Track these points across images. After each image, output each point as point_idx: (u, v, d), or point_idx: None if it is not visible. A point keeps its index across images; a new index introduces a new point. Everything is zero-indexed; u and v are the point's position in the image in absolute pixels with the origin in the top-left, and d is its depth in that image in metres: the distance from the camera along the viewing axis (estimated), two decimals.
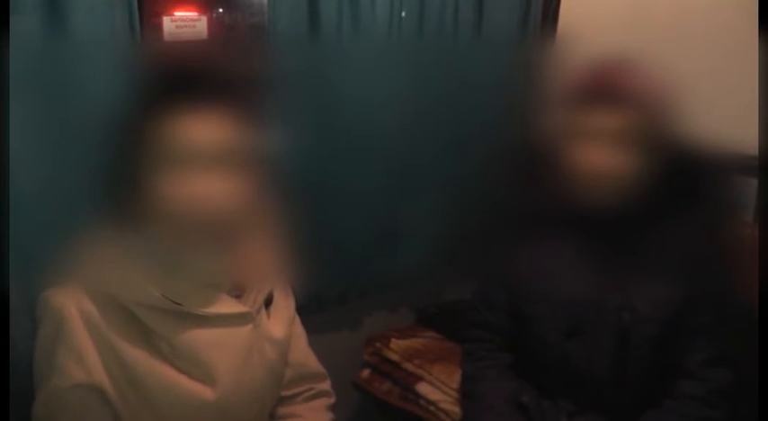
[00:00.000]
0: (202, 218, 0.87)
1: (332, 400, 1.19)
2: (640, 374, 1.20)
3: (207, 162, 0.86)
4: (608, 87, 1.11)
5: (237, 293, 0.99)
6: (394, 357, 1.69)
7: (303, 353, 1.15)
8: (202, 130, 0.86)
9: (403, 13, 1.60)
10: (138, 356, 0.90)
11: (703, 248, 1.15)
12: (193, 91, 0.86)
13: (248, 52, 1.36)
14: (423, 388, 1.60)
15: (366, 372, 1.74)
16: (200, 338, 0.94)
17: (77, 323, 0.88)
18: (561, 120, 1.13)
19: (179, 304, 0.91)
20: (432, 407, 1.57)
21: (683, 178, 1.13)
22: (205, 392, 0.94)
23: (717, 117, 1.40)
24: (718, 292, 1.18)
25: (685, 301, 1.17)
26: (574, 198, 1.13)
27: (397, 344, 1.72)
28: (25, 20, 1.12)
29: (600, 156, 1.09)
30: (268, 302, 1.04)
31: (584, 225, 1.16)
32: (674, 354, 1.21)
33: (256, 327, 1.00)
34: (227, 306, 0.96)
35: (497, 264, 1.33)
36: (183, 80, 0.88)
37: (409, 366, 1.66)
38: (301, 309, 1.15)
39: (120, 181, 0.89)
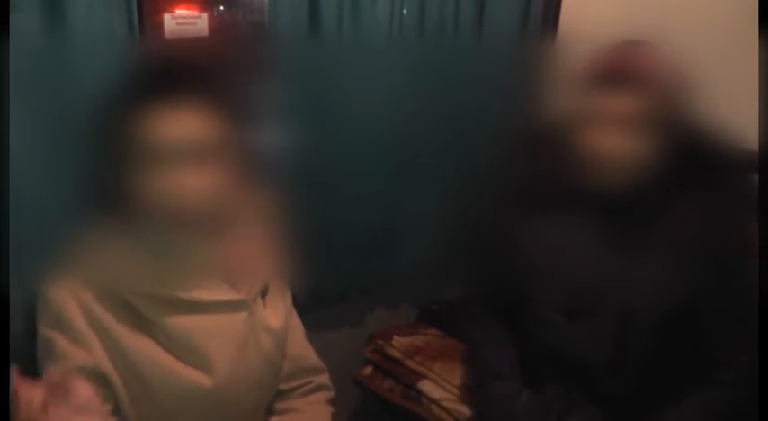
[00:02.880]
0: (188, 209, 0.88)
1: (331, 394, 1.19)
2: (640, 363, 1.17)
3: (190, 156, 0.87)
4: (622, 69, 1.09)
5: (231, 283, 0.99)
6: (396, 354, 1.69)
7: (301, 346, 1.15)
8: (186, 125, 0.87)
9: (404, 11, 1.60)
10: (135, 344, 0.92)
11: (715, 237, 1.12)
12: (181, 87, 0.88)
13: (249, 49, 1.37)
14: (425, 386, 1.60)
15: (368, 370, 1.73)
16: (194, 325, 0.95)
17: (76, 312, 0.90)
18: (574, 105, 1.12)
19: (172, 291, 0.92)
20: (434, 406, 1.57)
21: (697, 165, 1.11)
22: (202, 379, 0.95)
23: (717, 113, 1.41)
24: (732, 282, 1.14)
25: (695, 290, 1.14)
26: (584, 179, 1.12)
27: (398, 341, 1.72)
28: (24, 18, 1.12)
29: (612, 139, 1.08)
30: (264, 293, 1.04)
31: (592, 206, 1.14)
32: (684, 343, 1.17)
33: (251, 316, 1.00)
34: (220, 293, 0.97)
35: (499, 244, 1.29)
36: (176, 77, 0.89)
37: (411, 364, 1.65)
38: (302, 307, 1.16)
39: (109, 176, 0.90)
